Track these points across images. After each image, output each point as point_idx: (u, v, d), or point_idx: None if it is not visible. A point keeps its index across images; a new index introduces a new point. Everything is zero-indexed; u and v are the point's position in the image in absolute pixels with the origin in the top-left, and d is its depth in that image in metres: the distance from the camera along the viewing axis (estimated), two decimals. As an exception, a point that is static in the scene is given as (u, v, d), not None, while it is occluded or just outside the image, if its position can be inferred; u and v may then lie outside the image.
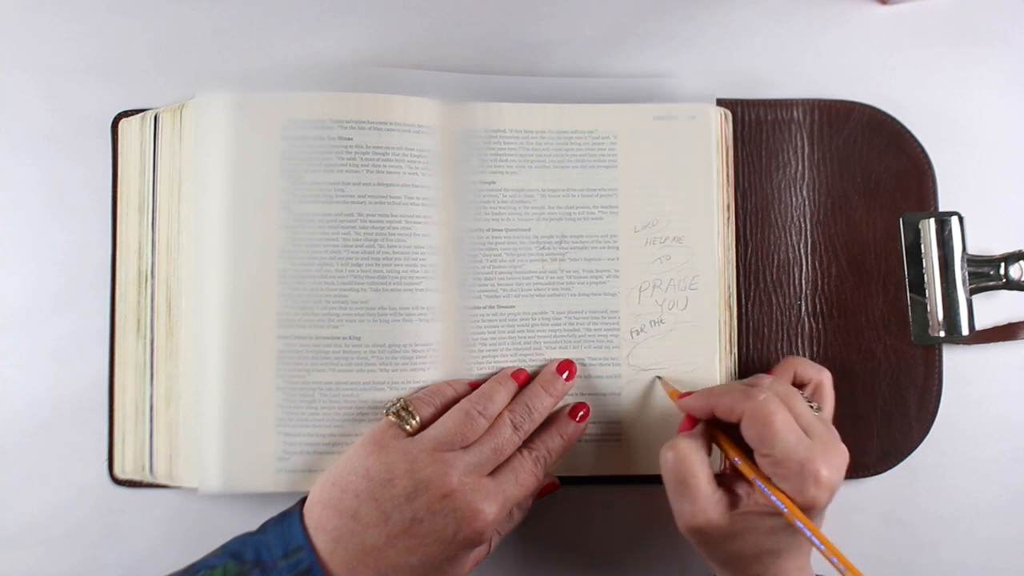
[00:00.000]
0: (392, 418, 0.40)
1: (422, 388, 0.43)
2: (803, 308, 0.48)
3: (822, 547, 0.34)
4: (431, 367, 0.44)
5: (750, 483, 0.38)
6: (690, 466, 0.38)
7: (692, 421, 0.42)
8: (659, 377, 0.46)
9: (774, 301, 0.47)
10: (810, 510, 0.36)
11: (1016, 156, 0.49)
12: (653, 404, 0.46)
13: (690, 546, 0.39)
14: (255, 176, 0.44)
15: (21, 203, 0.47)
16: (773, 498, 0.36)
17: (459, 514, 0.37)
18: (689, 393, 0.42)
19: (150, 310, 0.46)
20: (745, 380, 0.42)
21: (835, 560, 0.34)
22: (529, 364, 0.45)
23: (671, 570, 0.47)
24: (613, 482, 0.46)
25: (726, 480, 0.40)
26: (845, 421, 0.44)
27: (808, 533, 0.35)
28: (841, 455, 0.38)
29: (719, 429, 0.40)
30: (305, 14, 0.49)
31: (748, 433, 0.38)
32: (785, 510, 0.36)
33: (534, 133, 0.46)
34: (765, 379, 0.41)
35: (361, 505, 0.38)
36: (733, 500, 0.39)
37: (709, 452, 0.40)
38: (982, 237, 0.48)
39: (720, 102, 0.47)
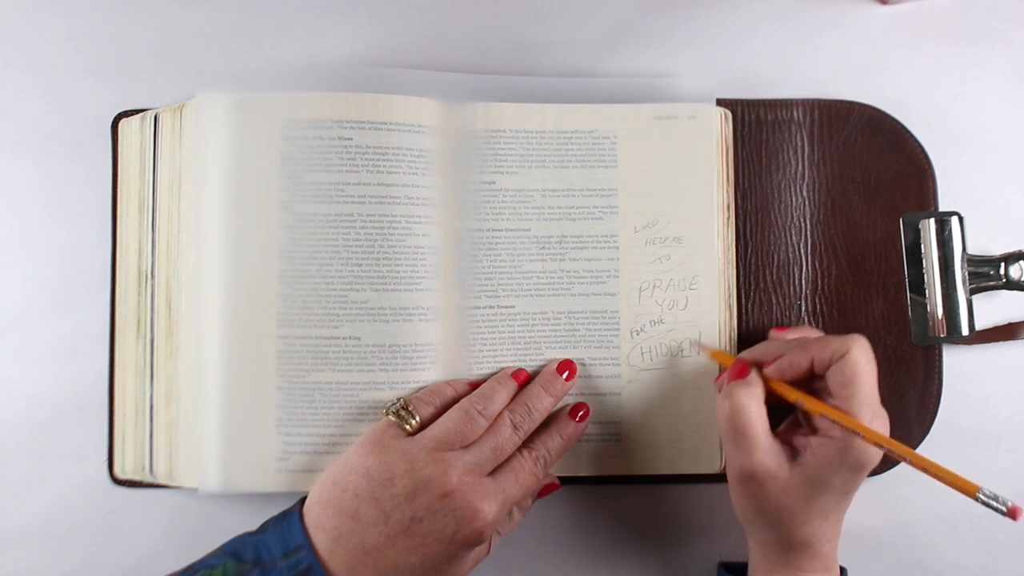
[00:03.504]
0: (392, 418, 0.40)
1: (422, 388, 0.43)
2: (803, 308, 0.47)
3: (907, 459, 0.35)
4: (431, 367, 0.44)
5: (808, 423, 0.39)
6: (747, 416, 0.38)
7: (740, 371, 0.41)
8: (696, 342, 0.45)
9: (774, 301, 0.47)
10: (866, 465, 0.38)
11: (1016, 156, 0.49)
12: (653, 404, 0.46)
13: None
14: (255, 176, 0.44)
15: (21, 203, 0.47)
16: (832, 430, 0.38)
17: (459, 513, 0.37)
18: (742, 360, 0.42)
19: (150, 310, 0.46)
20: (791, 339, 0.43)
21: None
22: (529, 364, 0.45)
23: (671, 570, 0.47)
24: (613, 482, 0.47)
25: (782, 432, 0.40)
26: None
27: (887, 449, 0.36)
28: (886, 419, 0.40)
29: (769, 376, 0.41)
30: (305, 14, 0.49)
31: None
32: (860, 435, 0.37)
33: (534, 133, 0.46)
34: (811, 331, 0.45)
35: (361, 504, 0.38)
36: (790, 452, 0.39)
37: (765, 400, 0.40)
38: (982, 237, 0.48)
39: (720, 102, 0.47)
